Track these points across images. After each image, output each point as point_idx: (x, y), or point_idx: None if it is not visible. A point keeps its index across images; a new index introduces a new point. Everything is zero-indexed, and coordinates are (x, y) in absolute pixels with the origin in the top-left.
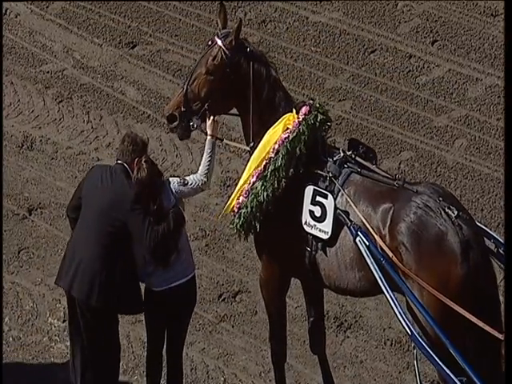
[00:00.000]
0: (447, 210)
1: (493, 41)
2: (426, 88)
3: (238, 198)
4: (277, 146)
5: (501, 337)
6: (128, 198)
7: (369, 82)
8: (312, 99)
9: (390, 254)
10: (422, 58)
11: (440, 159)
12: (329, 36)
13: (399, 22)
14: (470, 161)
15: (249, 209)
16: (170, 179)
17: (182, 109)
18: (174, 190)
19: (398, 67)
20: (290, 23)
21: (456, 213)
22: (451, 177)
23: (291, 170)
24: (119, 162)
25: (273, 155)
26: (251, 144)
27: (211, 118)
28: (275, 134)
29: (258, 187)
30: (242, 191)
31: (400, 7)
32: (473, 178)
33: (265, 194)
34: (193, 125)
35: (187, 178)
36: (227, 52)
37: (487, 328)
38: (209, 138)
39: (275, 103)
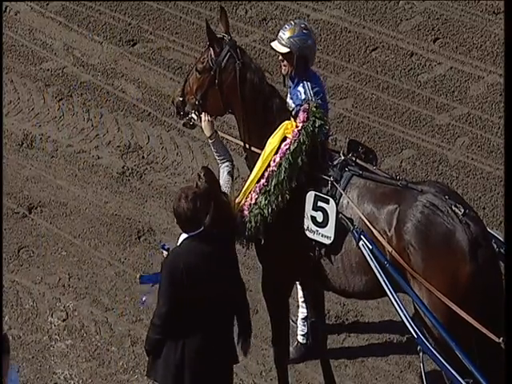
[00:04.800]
0: (454, 208)
1: (495, 38)
2: (428, 86)
3: (240, 211)
4: (278, 159)
5: (499, 340)
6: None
7: (370, 80)
8: (308, 102)
9: (398, 257)
10: (423, 56)
11: (442, 157)
12: (330, 34)
13: (401, 20)
14: (472, 159)
15: (253, 223)
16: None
17: (179, 98)
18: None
19: (400, 65)
20: None
21: (463, 211)
22: (453, 175)
23: (294, 181)
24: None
25: (275, 168)
26: (245, 154)
27: (205, 118)
28: (274, 145)
29: (262, 202)
30: (243, 205)
31: (401, 5)
32: (475, 177)
33: (269, 208)
34: (190, 118)
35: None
36: (213, 57)
37: (489, 334)
38: (209, 141)
39: (272, 111)
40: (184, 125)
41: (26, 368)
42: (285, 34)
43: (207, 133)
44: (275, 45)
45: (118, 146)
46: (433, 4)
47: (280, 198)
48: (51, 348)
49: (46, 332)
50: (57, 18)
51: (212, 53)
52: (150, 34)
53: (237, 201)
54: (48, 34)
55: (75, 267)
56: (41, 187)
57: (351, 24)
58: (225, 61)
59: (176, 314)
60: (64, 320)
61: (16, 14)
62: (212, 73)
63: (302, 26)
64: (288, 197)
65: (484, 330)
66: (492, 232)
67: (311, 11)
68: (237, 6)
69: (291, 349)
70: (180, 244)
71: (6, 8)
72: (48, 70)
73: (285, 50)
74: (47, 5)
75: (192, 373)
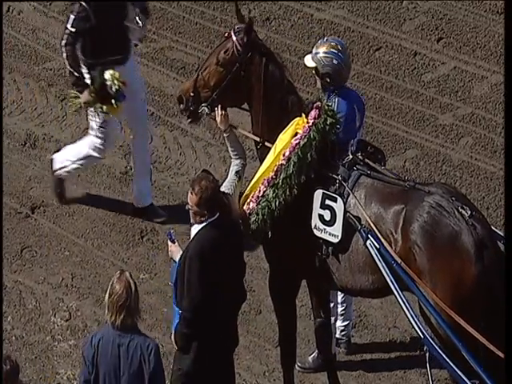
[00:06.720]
0: (460, 210)
1: (498, 38)
2: (432, 86)
3: (248, 204)
4: (288, 153)
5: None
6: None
7: (374, 80)
8: (320, 100)
9: (399, 260)
10: (427, 56)
11: (445, 157)
12: (333, 34)
13: (404, 20)
14: (476, 159)
15: (260, 216)
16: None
17: (191, 93)
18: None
19: (403, 65)
20: (294, 21)
21: (469, 212)
22: (456, 175)
23: (302, 176)
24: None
25: (284, 162)
26: (259, 146)
27: (220, 112)
28: (285, 140)
29: (270, 195)
30: (251, 197)
31: (405, 5)
32: (478, 177)
33: (277, 201)
34: (202, 112)
35: (223, 188)
36: (239, 48)
37: (496, 350)
38: (224, 135)
39: (287, 107)
40: (191, 121)
41: (28, 368)
42: (315, 49)
43: (222, 127)
44: (306, 58)
45: (121, 146)
46: (436, 4)
47: (288, 192)
48: (54, 348)
49: (49, 332)
50: (60, 17)
51: (237, 43)
52: (153, 33)
53: (245, 194)
54: (51, 34)
55: (78, 267)
56: (43, 187)
57: (354, 24)
58: (252, 51)
59: (208, 302)
60: (67, 320)
61: (19, 14)
62: (238, 64)
63: (333, 43)
64: (296, 192)
65: (491, 347)
66: (499, 232)
67: (315, 11)
68: (240, 6)
69: (309, 359)
70: (197, 232)
71: (8, 8)
72: (51, 69)
73: (311, 64)
74: (50, 4)
75: (211, 357)
